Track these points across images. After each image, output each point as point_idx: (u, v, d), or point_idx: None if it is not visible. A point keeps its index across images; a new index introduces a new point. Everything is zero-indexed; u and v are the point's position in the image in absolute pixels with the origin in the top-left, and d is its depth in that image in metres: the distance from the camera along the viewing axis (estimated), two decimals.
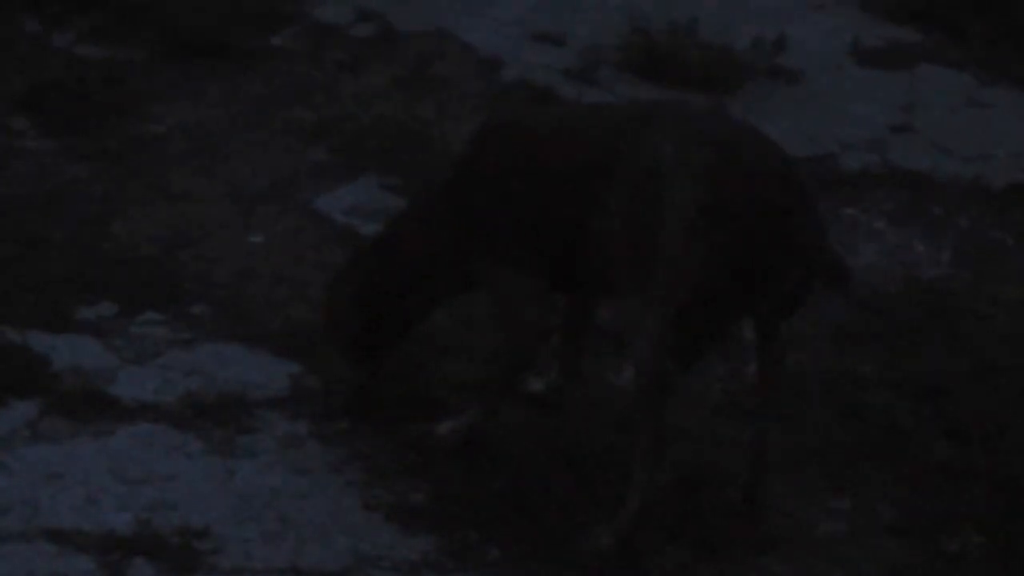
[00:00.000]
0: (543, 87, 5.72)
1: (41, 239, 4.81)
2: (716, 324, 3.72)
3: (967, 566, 3.93)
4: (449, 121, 5.46)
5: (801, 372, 4.41)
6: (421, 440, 4.09)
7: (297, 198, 5.10)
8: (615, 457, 4.03)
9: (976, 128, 5.73)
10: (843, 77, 5.97)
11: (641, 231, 3.70)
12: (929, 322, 4.74)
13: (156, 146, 5.39)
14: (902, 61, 6.08)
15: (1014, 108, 5.88)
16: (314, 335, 4.31)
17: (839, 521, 4.03)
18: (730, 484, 4.01)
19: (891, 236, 5.15)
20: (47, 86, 5.61)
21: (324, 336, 4.20)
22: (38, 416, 4.06)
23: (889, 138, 5.63)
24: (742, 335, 4.24)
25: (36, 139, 5.40)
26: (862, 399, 4.39)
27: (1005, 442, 4.26)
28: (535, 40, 6.01)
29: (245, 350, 4.37)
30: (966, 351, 4.62)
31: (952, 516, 4.05)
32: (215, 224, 4.96)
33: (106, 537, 3.69)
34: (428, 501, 3.94)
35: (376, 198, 5.08)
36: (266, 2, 6.21)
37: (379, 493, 3.95)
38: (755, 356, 3.94)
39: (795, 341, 4.43)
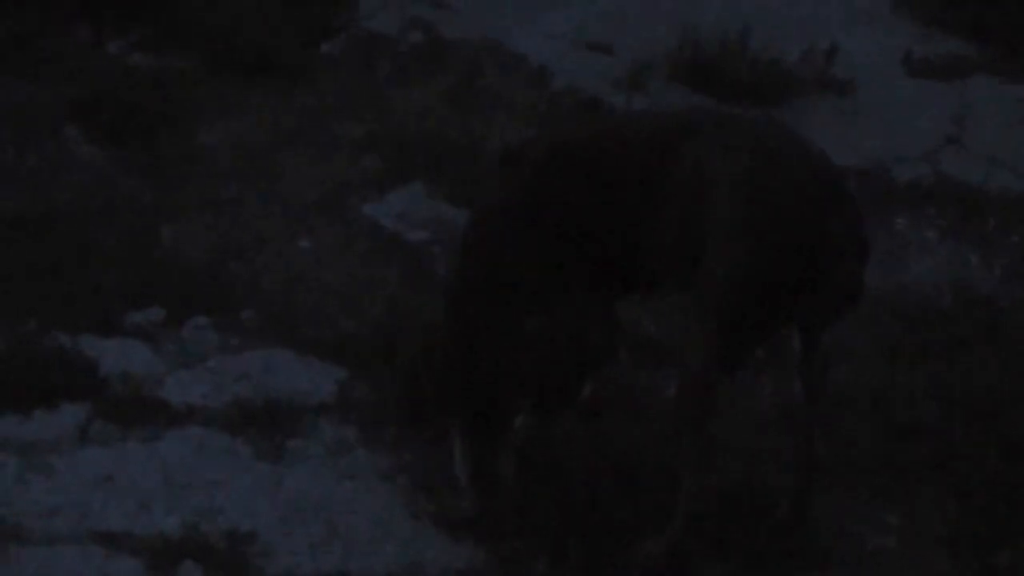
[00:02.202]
0: (592, 97, 5.71)
1: (92, 246, 4.83)
2: (759, 331, 3.71)
3: None
4: (498, 131, 5.46)
5: (851, 386, 4.38)
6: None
7: (346, 207, 5.11)
8: (663, 468, 4.02)
9: None
10: (895, 89, 5.94)
11: (686, 239, 3.70)
12: (981, 337, 4.70)
13: (206, 156, 5.41)
14: (954, 73, 6.04)
15: None
16: (363, 345, 4.30)
17: (889, 535, 4.01)
18: (779, 497, 3.98)
19: (943, 250, 5.11)
20: (99, 95, 5.64)
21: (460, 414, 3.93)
22: (88, 420, 4.08)
23: (941, 150, 5.60)
24: (790, 348, 4.22)
25: (88, 148, 5.43)
26: (913, 414, 4.36)
27: None
28: (585, 50, 6.01)
29: (294, 356, 4.37)
30: (1018, 366, 4.58)
31: (1002, 531, 4.02)
32: (264, 232, 4.97)
33: (155, 541, 3.70)
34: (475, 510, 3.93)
35: (424, 207, 5.08)
36: (316, 13, 6.23)
37: (426, 502, 3.94)
38: (796, 369, 3.92)
39: (846, 356, 4.41)
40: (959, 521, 4.05)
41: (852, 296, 3.75)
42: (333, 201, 5.13)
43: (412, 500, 3.94)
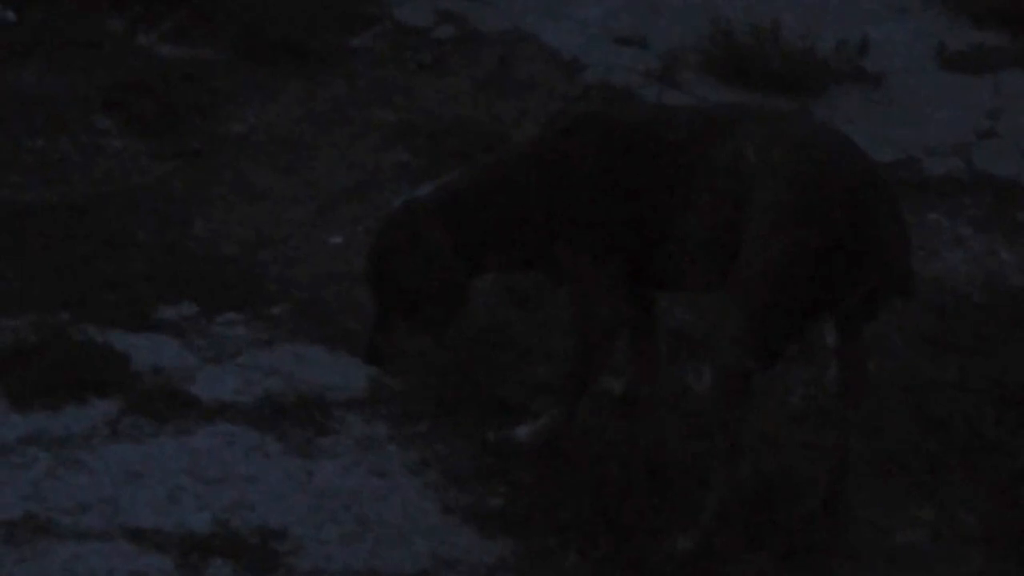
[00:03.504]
0: (624, 89, 5.69)
1: (123, 238, 4.84)
2: (796, 324, 3.70)
3: None
4: (530, 122, 5.45)
5: (883, 379, 4.36)
6: (500, 444, 4.08)
7: (378, 199, 5.11)
8: (694, 462, 4.01)
9: None
10: (928, 81, 5.90)
11: (723, 231, 3.70)
12: (1013, 329, 4.67)
13: (237, 146, 5.42)
14: (988, 65, 6.00)
15: None
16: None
17: (921, 530, 3.99)
18: (810, 491, 3.97)
19: (975, 242, 5.09)
20: (130, 85, 5.65)
21: (385, 297, 3.93)
22: (118, 415, 4.08)
23: (974, 143, 5.56)
24: (823, 340, 4.21)
25: (119, 138, 5.44)
26: (945, 407, 4.34)
27: None
28: (616, 42, 5.99)
29: (325, 351, 4.38)
30: None
31: None
32: (296, 224, 4.97)
33: (185, 537, 3.70)
34: (506, 505, 3.93)
35: None
36: (347, 3, 6.23)
37: (457, 496, 3.94)
38: (835, 361, 3.91)
39: (878, 347, 4.39)
40: (992, 516, 4.02)
41: (904, 286, 3.74)
42: (365, 192, 5.13)
43: (442, 495, 3.94)
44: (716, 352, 3.74)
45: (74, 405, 4.08)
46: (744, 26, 5.82)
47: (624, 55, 5.91)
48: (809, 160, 3.66)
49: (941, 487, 4.11)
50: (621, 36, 6.03)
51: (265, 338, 4.42)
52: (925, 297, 4.72)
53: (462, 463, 4.03)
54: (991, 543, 3.96)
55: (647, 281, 3.95)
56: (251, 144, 5.43)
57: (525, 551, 3.80)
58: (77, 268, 4.64)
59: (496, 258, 3.98)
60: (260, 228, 4.95)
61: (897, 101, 5.77)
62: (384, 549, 3.77)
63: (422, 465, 4.03)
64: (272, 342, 4.40)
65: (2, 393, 4.08)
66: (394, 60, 5.91)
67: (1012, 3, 6.21)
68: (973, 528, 4.00)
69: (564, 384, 4.05)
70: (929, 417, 4.31)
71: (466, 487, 3.97)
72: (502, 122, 5.51)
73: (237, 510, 3.80)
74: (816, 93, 5.68)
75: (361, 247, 4.85)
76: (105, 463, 3.92)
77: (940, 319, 4.69)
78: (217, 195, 5.11)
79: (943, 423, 4.29)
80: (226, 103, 5.64)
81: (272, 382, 4.24)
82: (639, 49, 5.96)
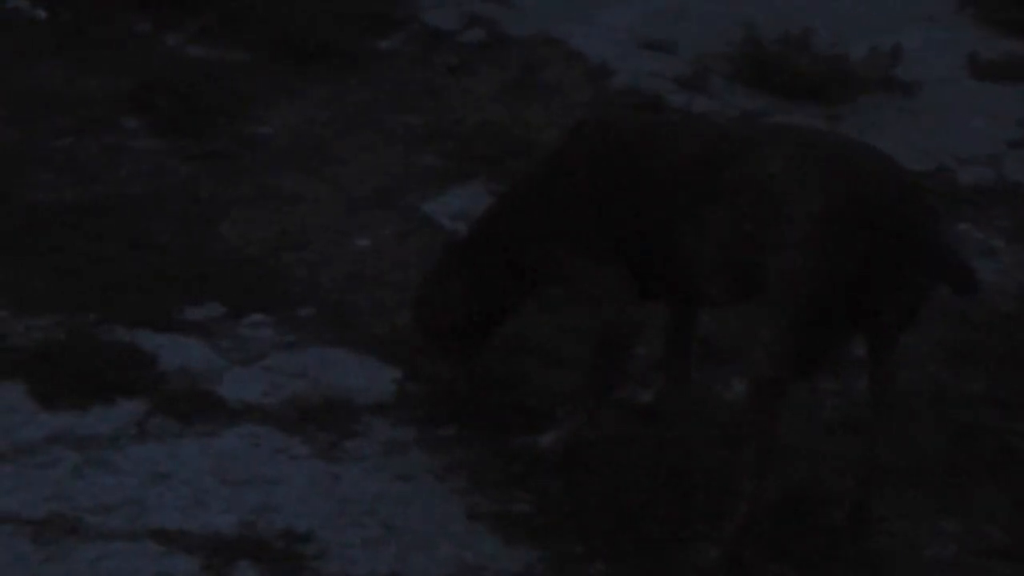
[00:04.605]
0: (652, 95, 5.68)
1: (149, 238, 4.84)
2: (835, 335, 3.68)
3: None
4: (557, 127, 5.44)
5: (912, 390, 4.34)
6: (525, 450, 4.07)
7: (404, 202, 5.10)
8: (722, 471, 3.99)
9: None
10: (959, 90, 5.89)
11: (752, 244, 3.68)
12: None
13: (263, 148, 5.41)
14: (1019, 75, 5.99)
15: None
16: (410, 336, 4.30)
17: (948, 543, 3.96)
18: (837, 502, 3.95)
19: (1007, 254, 5.06)
20: (156, 86, 5.65)
21: (421, 334, 4.20)
22: (145, 415, 4.08)
23: (1006, 153, 5.55)
24: (852, 351, 4.18)
25: (145, 139, 5.44)
26: (974, 419, 4.32)
27: None
28: (645, 48, 5.99)
29: (350, 354, 4.36)
30: None
31: None
32: (322, 227, 4.97)
33: (211, 539, 3.69)
34: (531, 511, 3.91)
35: (483, 203, 5.05)
36: (375, 6, 6.23)
37: (482, 502, 3.93)
38: (867, 372, 3.89)
39: (906, 359, 4.36)
40: (1019, 529, 4.00)
41: (965, 284, 3.70)
42: (391, 195, 5.12)
43: (468, 500, 3.92)
44: (751, 363, 3.72)
45: (101, 405, 4.07)
46: (774, 33, 5.80)
47: (652, 61, 5.90)
48: (837, 170, 3.64)
49: (968, 500, 4.08)
50: (649, 42, 6.02)
51: (291, 340, 4.41)
52: (954, 308, 4.70)
53: (488, 469, 4.01)
54: (1017, 559, 3.94)
55: (663, 293, 3.95)
56: (277, 146, 5.43)
57: (550, 558, 3.78)
58: (103, 268, 4.64)
59: (535, 276, 4.08)
60: (286, 230, 4.94)
61: (928, 110, 5.75)
62: (409, 554, 3.75)
63: (447, 470, 4.01)
64: (298, 345, 4.39)
65: (30, 392, 4.08)
66: (421, 63, 5.91)
67: None
68: (999, 541, 3.98)
69: (583, 390, 4.04)
70: (957, 429, 4.29)
71: (491, 493, 3.95)
72: (529, 126, 5.50)
73: (263, 512, 3.79)
74: (846, 101, 5.67)
75: (387, 250, 4.85)
76: (131, 463, 3.91)
77: (969, 329, 4.67)
78: (243, 197, 5.11)
79: (971, 436, 4.27)
80: (252, 105, 5.64)
81: (298, 385, 4.23)
82: (667, 55, 5.95)
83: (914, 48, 5.99)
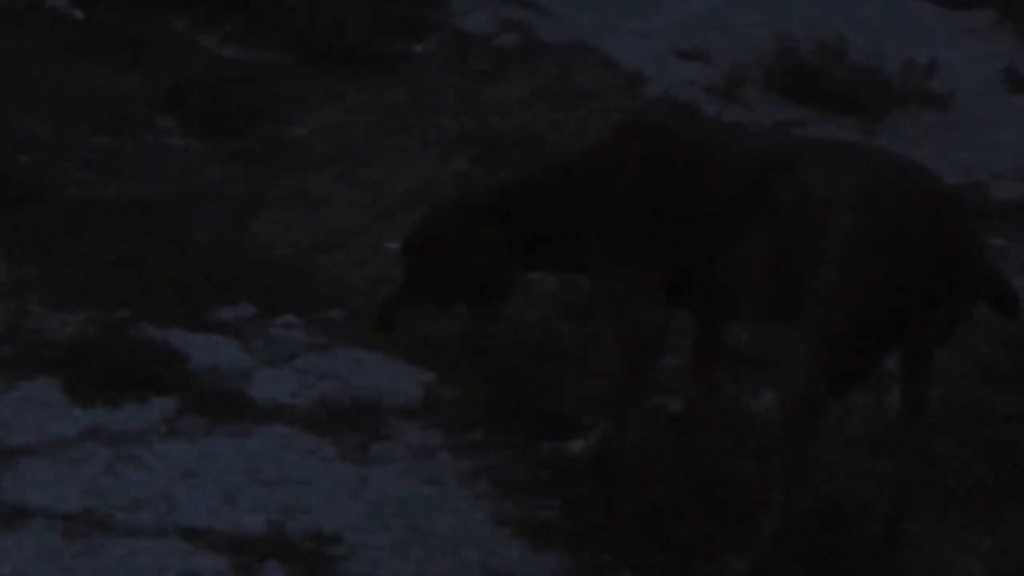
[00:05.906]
0: (686, 103, 5.67)
1: (182, 237, 4.86)
2: (873, 352, 3.66)
3: None
4: (589, 133, 5.43)
5: (944, 407, 4.32)
6: (553, 457, 4.06)
7: None
8: (751, 481, 3.97)
9: None
10: (994, 104, 5.86)
11: (793, 260, 3.65)
12: None
13: (297, 149, 5.42)
14: None
15: None
16: (449, 349, 4.28)
17: (978, 560, 3.94)
18: (868, 518, 3.93)
19: None
20: (192, 86, 5.67)
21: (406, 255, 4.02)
22: (176, 413, 4.08)
23: None
24: (884, 365, 4.17)
25: (180, 138, 5.46)
26: (1006, 437, 4.29)
27: None
28: (679, 56, 5.98)
29: (380, 357, 4.37)
30: None
31: None
32: (354, 229, 4.97)
33: (239, 538, 3.69)
34: (558, 518, 3.90)
35: None
36: (410, 10, 6.24)
37: (509, 508, 3.92)
38: (899, 386, 3.87)
39: (939, 376, 4.34)
40: None
41: (1008, 305, 3.67)
42: (423, 198, 5.11)
43: (494, 505, 3.92)
44: (784, 377, 3.70)
45: (133, 402, 4.08)
46: (809, 44, 5.78)
47: (686, 69, 5.89)
48: (879, 187, 3.62)
49: (999, 518, 4.06)
50: (684, 50, 6.01)
51: (322, 342, 4.41)
52: (987, 324, 4.67)
53: (515, 474, 4.01)
54: None
55: (694, 304, 3.93)
56: (310, 148, 5.44)
57: (577, 566, 3.77)
58: (137, 265, 4.65)
59: (542, 258, 4.02)
60: (317, 232, 4.95)
61: (963, 124, 5.73)
62: (435, 558, 3.74)
63: (475, 475, 4.01)
64: (328, 346, 4.40)
65: (63, 388, 4.09)
66: (455, 68, 5.91)
67: None
68: None
69: (610, 397, 4.02)
70: (990, 447, 4.26)
71: (518, 499, 3.94)
72: (561, 132, 5.49)
73: (291, 513, 3.79)
74: (881, 113, 5.64)
75: None
76: (162, 461, 3.92)
77: (1001, 346, 4.64)
78: (275, 198, 5.12)
79: (1004, 453, 4.24)
80: (286, 106, 5.65)
81: (328, 386, 4.23)
82: (702, 64, 5.94)
83: (950, 60, 5.96)
